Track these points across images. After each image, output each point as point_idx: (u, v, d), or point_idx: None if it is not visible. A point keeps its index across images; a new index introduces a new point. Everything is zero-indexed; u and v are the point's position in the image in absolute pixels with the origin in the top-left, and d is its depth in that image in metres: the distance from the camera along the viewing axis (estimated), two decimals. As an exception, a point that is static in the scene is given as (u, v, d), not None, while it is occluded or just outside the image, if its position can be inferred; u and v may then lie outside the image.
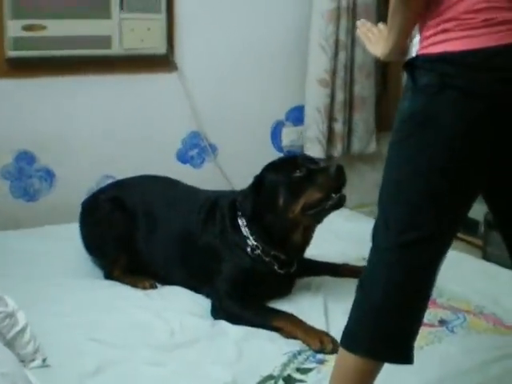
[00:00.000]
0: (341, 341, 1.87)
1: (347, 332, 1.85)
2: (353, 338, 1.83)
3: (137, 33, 3.56)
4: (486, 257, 3.88)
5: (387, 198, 1.80)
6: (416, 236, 1.74)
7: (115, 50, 3.54)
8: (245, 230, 2.67)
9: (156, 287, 2.79)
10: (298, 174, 2.60)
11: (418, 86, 1.73)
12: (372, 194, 4.41)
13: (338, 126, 4.11)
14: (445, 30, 1.70)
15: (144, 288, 2.77)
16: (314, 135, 4.06)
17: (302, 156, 2.87)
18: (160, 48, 3.65)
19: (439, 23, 1.71)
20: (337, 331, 2.35)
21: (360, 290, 1.85)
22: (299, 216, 2.59)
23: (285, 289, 2.72)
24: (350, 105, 4.17)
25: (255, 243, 2.64)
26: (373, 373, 1.84)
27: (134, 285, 2.79)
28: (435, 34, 1.72)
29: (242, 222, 2.68)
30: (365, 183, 4.46)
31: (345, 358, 1.84)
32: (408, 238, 1.74)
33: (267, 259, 2.64)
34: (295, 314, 2.48)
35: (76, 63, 3.52)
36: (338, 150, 4.17)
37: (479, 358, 2.26)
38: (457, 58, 1.67)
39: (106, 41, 3.51)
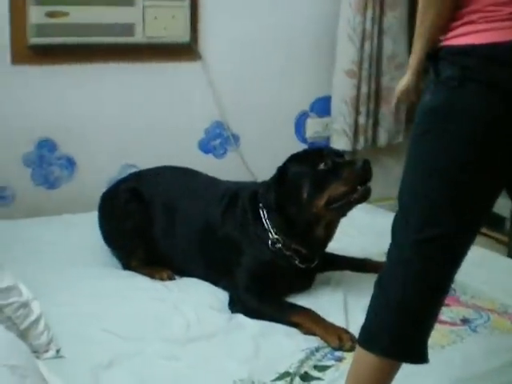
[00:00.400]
0: (358, 338, 1.84)
1: (364, 330, 1.82)
2: (370, 336, 1.80)
3: (160, 21, 3.52)
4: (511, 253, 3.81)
5: (407, 192, 1.77)
6: (436, 233, 1.70)
7: (138, 37, 3.50)
8: (266, 223, 2.62)
9: (174, 278, 2.76)
10: (322, 166, 2.55)
11: (440, 79, 1.70)
12: (396, 187, 4.39)
13: (362, 118, 4.05)
14: (469, 22, 1.66)
15: (162, 279, 2.74)
16: (340, 127, 4.00)
17: (326, 148, 2.80)
18: (183, 36, 3.60)
19: (464, 15, 1.67)
20: (356, 328, 2.29)
21: (378, 286, 1.82)
22: (323, 210, 2.54)
23: (304, 284, 2.67)
24: (376, 96, 4.09)
25: (276, 236, 2.59)
26: (390, 372, 1.81)
27: (152, 276, 2.76)
28: (459, 26, 1.68)
29: (263, 214, 2.63)
30: (389, 176, 4.40)
31: (362, 356, 1.81)
32: (428, 234, 1.71)
33: (288, 253, 2.59)
34: (314, 309, 2.43)
35: (99, 51, 3.48)
36: (360, 143, 4.11)
37: (502, 359, 2.20)
38: (480, 51, 1.63)
39: (128, 28, 3.47)
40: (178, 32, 3.58)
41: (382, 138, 4.21)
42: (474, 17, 1.65)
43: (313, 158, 2.60)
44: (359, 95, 4.00)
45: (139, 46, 3.54)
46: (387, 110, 4.13)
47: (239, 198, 2.73)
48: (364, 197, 2.53)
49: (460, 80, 1.64)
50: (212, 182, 2.95)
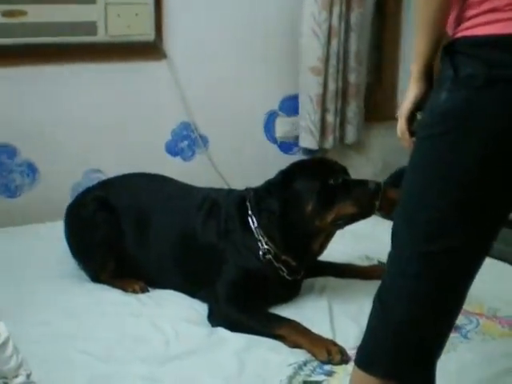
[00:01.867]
0: (356, 360, 1.67)
1: (363, 351, 1.66)
2: (370, 359, 1.64)
3: (123, 19, 3.38)
4: (493, 253, 3.72)
5: (412, 199, 1.59)
6: (446, 245, 1.53)
7: (100, 36, 3.36)
8: (256, 232, 2.49)
9: (148, 291, 2.63)
10: (333, 181, 2.44)
11: (459, 77, 1.50)
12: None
13: (330, 116, 3.96)
14: (493, 10, 1.47)
15: (134, 292, 2.61)
16: (307, 126, 3.92)
17: (333, 161, 2.63)
18: (148, 35, 3.47)
19: (483, 1, 1.48)
20: (343, 338, 2.25)
21: (378, 303, 1.64)
22: (327, 225, 2.44)
23: (289, 296, 2.56)
24: (343, 94, 4.01)
25: (267, 246, 2.47)
26: None
27: (124, 288, 2.62)
28: (480, 14, 1.49)
29: (252, 222, 2.50)
30: (359, 175, 4.32)
31: (360, 378, 1.65)
32: (436, 246, 1.54)
33: (277, 265, 2.48)
34: (298, 319, 2.32)
35: (59, 51, 3.34)
36: (329, 142, 4.03)
37: (497, 366, 2.12)
38: (509, 43, 1.44)
39: (90, 27, 3.33)
40: (142, 30, 3.45)
41: (350, 136, 4.15)
42: (498, 2, 1.46)
43: (323, 171, 2.49)
44: (326, 93, 3.92)
45: (102, 45, 3.40)
46: (354, 107, 4.06)
47: (221, 206, 2.60)
48: (369, 215, 2.48)
49: (487, 79, 1.44)
50: (186, 189, 2.82)
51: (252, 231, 2.49)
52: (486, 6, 1.48)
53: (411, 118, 1.71)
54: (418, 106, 1.68)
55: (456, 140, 1.50)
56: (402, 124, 1.72)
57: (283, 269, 2.48)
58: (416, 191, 1.58)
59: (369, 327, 1.66)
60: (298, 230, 2.44)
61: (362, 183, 2.47)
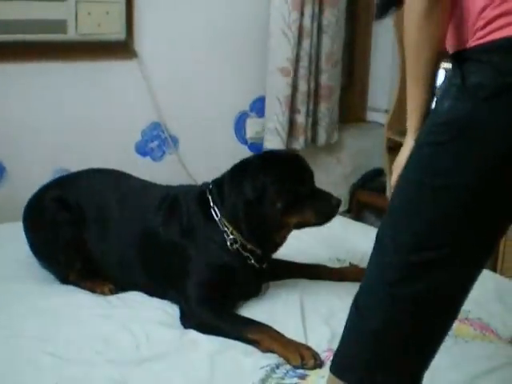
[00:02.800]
0: (331, 367, 1.64)
1: (339, 358, 1.62)
2: (344, 365, 1.61)
3: (94, 17, 3.34)
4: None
5: (403, 207, 1.54)
6: (431, 257, 1.47)
7: (70, 35, 3.31)
8: (220, 223, 2.48)
9: (116, 292, 2.58)
10: (303, 189, 2.48)
11: (466, 86, 1.45)
12: (338, 187, 4.35)
13: (301, 118, 3.95)
14: (507, 13, 1.41)
15: (103, 293, 2.56)
16: (273, 127, 3.90)
17: (303, 162, 2.60)
18: (119, 33, 3.43)
19: (497, 5, 1.43)
20: (316, 341, 2.23)
21: (355, 309, 1.60)
22: (288, 224, 2.50)
23: (258, 286, 2.56)
24: (315, 95, 4.00)
25: (232, 236, 2.46)
26: None
27: (93, 290, 2.58)
28: (492, 21, 1.43)
29: (216, 213, 2.49)
30: (330, 176, 4.34)
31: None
32: (421, 257, 1.48)
33: (245, 254, 2.48)
34: (270, 323, 2.29)
35: (28, 49, 3.28)
36: (300, 143, 4.02)
37: (470, 370, 2.10)
38: None
39: (60, 25, 3.28)
40: (113, 29, 3.42)
41: (322, 137, 4.15)
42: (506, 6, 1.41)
43: (296, 172, 2.51)
44: (295, 94, 3.91)
45: (72, 43, 3.35)
46: (325, 109, 4.05)
47: (181, 203, 2.56)
48: (322, 225, 2.55)
49: (496, 88, 1.39)
50: (145, 185, 2.77)
51: (216, 223, 2.48)
52: (497, 11, 1.44)
53: None
54: None
55: (457, 151, 1.45)
56: (395, 177, 1.70)
57: (250, 257, 2.49)
58: (408, 199, 1.54)
59: (344, 333, 1.62)
60: (261, 221, 2.45)
61: (327, 197, 2.53)
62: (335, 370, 1.62)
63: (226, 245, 2.47)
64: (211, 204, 2.50)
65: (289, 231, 2.54)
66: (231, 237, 2.47)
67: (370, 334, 1.55)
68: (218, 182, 2.55)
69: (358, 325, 1.58)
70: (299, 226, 2.53)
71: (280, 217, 2.45)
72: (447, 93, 1.50)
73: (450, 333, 2.23)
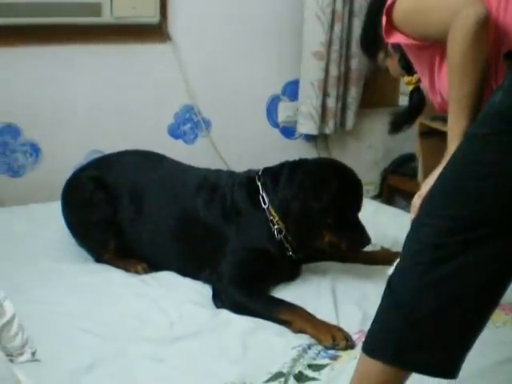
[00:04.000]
0: (363, 346, 1.66)
1: (371, 336, 1.65)
2: (375, 344, 1.63)
3: (128, 0, 3.35)
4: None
5: (444, 193, 1.58)
6: (475, 237, 1.51)
7: (105, 18, 3.33)
8: (268, 211, 2.51)
9: (150, 271, 2.62)
10: (352, 214, 2.54)
11: None
12: (370, 172, 4.35)
13: (331, 102, 3.94)
14: None
15: (136, 272, 2.61)
16: (307, 111, 3.90)
17: (360, 183, 2.64)
18: (153, 17, 3.44)
19: None
20: (347, 323, 2.24)
21: (388, 289, 1.63)
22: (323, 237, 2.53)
23: (292, 276, 2.58)
24: (345, 79, 4.00)
25: (278, 226, 2.50)
26: (398, 379, 1.64)
27: (127, 269, 2.62)
28: None
29: (264, 202, 2.53)
30: (359, 161, 4.33)
31: (367, 365, 1.64)
32: (465, 237, 1.51)
33: (286, 245, 2.51)
34: (302, 305, 2.31)
35: (63, 32, 3.32)
36: (329, 127, 4.02)
37: (501, 354, 2.10)
38: None
39: (95, 8, 3.30)
40: (147, 12, 3.43)
41: (350, 122, 4.14)
42: None
43: (353, 200, 2.56)
44: (327, 78, 3.90)
45: (106, 26, 3.38)
46: (355, 93, 4.05)
47: (223, 186, 2.61)
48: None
49: None
50: (182, 168, 2.81)
51: (262, 211, 2.51)
52: None
53: None
54: None
55: (504, 142, 1.48)
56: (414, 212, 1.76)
57: (289, 248, 2.51)
58: (450, 186, 1.57)
59: (377, 313, 1.65)
60: (308, 225, 2.49)
61: (362, 231, 2.54)
62: (367, 349, 1.64)
63: (270, 232, 2.50)
64: (260, 191, 2.53)
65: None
66: (276, 226, 2.49)
67: (402, 311, 1.58)
68: (272, 172, 2.58)
69: (390, 303, 1.61)
70: (330, 244, 2.54)
71: (323, 230, 2.49)
72: (501, 85, 1.53)
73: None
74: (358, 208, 2.56)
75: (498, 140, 1.49)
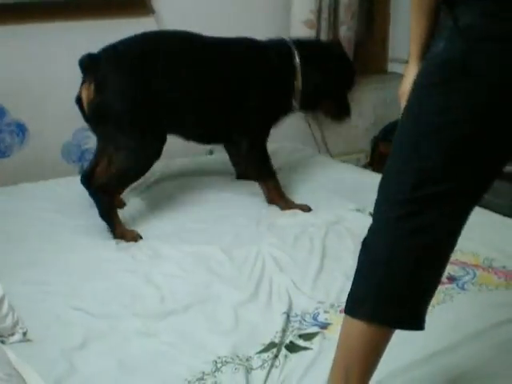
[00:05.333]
0: (345, 309, 1.68)
1: (351, 297, 1.68)
2: (356, 302, 1.66)
3: (110, -26, 3.33)
4: (482, 204, 3.74)
5: (405, 148, 1.60)
6: (438, 189, 1.54)
7: (90, -7, 3.31)
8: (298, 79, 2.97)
9: (141, 238, 2.66)
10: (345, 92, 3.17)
11: (458, 27, 1.50)
12: (360, 140, 4.34)
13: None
14: None
15: (134, 240, 2.64)
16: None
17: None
18: (136, -10, 3.42)
19: None
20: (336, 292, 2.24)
21: (363, 248, 1.67)
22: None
23: None
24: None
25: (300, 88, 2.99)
26: (380, 342, 1.66)
27: (123, 236, 2.66)
28: None
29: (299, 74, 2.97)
30: (352, 129, 4.32)
31: (350, 326, 1.66)
32: (428, 190, 1.55)
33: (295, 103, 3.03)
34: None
35: (46, 8, 3.30)
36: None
37: (495, 317, 2.11)
38: None
39: (77, -17, 3.27)
40: (130, -15, 3.40)
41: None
42: None
43: (348, 78, 3.16)
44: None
45: (88, 1, 3.37)
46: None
47: (263, 54, 2.96)
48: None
49: (482, 32, 1.46)
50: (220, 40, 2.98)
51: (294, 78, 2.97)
52: None
53: None
54: None
55: (453, 90, 1.50)
56: (404, 104, 1.71)
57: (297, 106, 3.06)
58: (409, 140, 1.59)
59: (355, 273, 1.68)
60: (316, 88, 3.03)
61: (347, 106, 3.18)
62: (349, 310, 1.66)
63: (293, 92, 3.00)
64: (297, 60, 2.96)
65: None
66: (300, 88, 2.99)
67: (378, 267, 1.61)
68: (304, 46, 3.03)
69: (366, 262, 1.65)
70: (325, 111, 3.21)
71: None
72: (441, 35, 1.55)
73: (473, 281, 2.29)
74: (349, 88, 3.14)
75: (446, 87, 1.51)
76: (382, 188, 1.65)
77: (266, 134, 3.01)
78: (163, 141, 2.78)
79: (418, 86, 1.60)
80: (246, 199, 3.02)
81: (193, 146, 3.38)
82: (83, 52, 3.37)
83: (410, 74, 1.74)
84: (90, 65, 2.75)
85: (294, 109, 3.04)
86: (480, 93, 1.48)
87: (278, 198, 2.97)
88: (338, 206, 2.90)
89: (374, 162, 4.31)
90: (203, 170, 3.35)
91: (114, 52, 2.79)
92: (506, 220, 2.83)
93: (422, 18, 1.65)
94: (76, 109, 3.42)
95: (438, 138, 1.53)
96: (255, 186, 3.10)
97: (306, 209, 2.91)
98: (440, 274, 1.66)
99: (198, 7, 3.65)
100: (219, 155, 3.63)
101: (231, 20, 3.74)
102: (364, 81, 4.19)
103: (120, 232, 2.67)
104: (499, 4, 1.45)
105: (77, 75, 3.41)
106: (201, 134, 3.03)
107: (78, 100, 2.78)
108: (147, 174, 3.12)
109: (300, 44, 3.01)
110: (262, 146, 2.98)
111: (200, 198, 3.02)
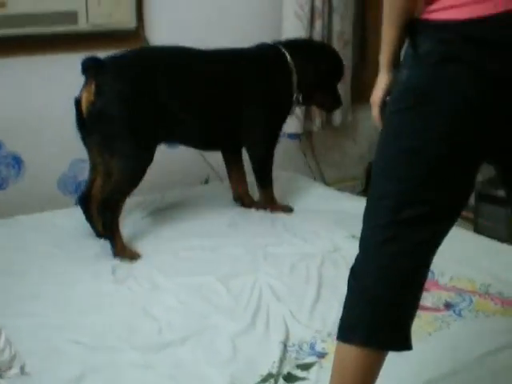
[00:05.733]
0: (338, 335, 1.72)
1: (342, 323, 1.72)
2: (348, 328, 1.70)
3: (104, 7, 3.35)
4: (478, 229, 3.76)
5: (381, 173, 1.68)
6: (416, 212, 1.61)
7: (82, 25, 3.34)
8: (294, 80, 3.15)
9: (139, 257, 2.73)
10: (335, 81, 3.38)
11: (418, 54, 1.61)
12: (355, 167, 4.35)
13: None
14: None
15: (132, 258, 2.70)
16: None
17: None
18: (130, 22, 3.45)
19: None
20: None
21: (351, 275, 1.72)
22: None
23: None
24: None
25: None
26: (374, 365, 1.70)
27: (121, 252, 2.71)
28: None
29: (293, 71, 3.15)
30: (347, 156, 4.35)
31: (343, 352, 1.70)
32: (407, 214, 1.61)
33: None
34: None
35: (40, 41, 3.30)
36: (316, 124, 4.03)
37: (492, 344, 2.12)
38: (459, 27, 1.54)
39: (71, 16, 3.30)
40: (124, 18, 3.43)
41: (337, 118, 4.14)
42: None
43: (337, 72, 3.38)
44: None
45: (83, 34, 3.37)
46: (341, 90, 4.04)
47: (257, 63, 3.13)
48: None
49: (442, 57, 1.55)
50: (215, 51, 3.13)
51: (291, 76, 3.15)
52: None
53: (384, 105, 1.77)
54: (389, 93, 1.75)
55: (419, 114, 1.59)
56: (375, 112, 1.80)
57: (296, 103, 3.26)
58: (385, 165, 1.67)
59: (345, 300, 1.72)
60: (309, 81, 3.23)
61: (338, 97, 3.40)
62: (341, 336, 1.70)
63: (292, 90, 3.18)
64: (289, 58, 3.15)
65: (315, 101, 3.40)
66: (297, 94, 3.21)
67: (366, 293, 1.66)
68: (293, 46, 3.23)
69: (355, 288, 1.70)
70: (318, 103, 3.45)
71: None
72: (404, 63, 1.65)
73: (470, 307, 2.30)
74: (338, 79, 3.35)
75: (412, 113, 1.60)
76: (366, 214, 1.72)
77: (275, 139, 3.22)
78: (155, 146, 2.87)
79: (388, 113, 1.68)
80: (242, 228, 3.02)
81: (188, 175, 3.40)
82: (79, 84, 3.41)
83: (381, 82, 1.77)
84: (92, 67, 2.81)
85: (294, 104, 3.23)
86: (443, 115, 1.57)
87: (270, 202, 3.22)
88: (334, 235, 2.90)
89: (369, 189, 4.32)
90: (199, 200, 3.35)
91: (117, 59, 2.90)
92: (502, 246, 2.84)
93: (392, 27, 1.69)
94: (72, 140, 3.44)
95: (410, 160, 1.61)
96: (251, 215, 3.12)
97: (287, 209, 3.20)
98: (421, 293, 1.72)
99: (191, 40, 3.64)
100: (215, 184, 3.65)
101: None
102: (358, 108, 4.22)
103: (120, 249, 2.71)
104: (456, 32, 1.55)
105: (72, 107, 3.45)
106: (206, 142, 3.19)
107: (77, 103, 2.84)
108: (143, 205, 3.14)
109: (289, 44, 3.23)
110: (270, 155, 3.19)
111: (196, 227, 3.02)
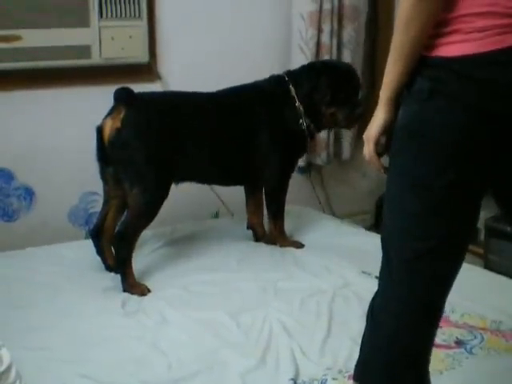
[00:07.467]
0: (354, 375, 1.72)
1: (360, 364, 1.71)
2: (365, 370, 1.70)
3: (117, 41, 3.40)
4: (488, 265, 3.74)
5: (391, 210, 1.71)
6: (424, 247, 1.62)
7: (95, 59, 3.39)
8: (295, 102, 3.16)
9: (149, 291, 2.74)
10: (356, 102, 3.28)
11: (410, 92, 1.63)
12: (365, 201, 4.35)
13: (324, 133, 3.93)
14: (442, 34, 1.58)
15: (143, 294, 2.70)
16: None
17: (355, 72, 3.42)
18: (142, 56, 3.50)
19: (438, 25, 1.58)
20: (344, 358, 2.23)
21: (371, 315, 1.73)
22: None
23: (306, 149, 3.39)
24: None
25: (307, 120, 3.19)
26: None
27: (132, 287, 2.72)
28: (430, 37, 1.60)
29: (295, 99, 3.15)
30: (357, 191, 4.34)
31: None
32: (416, 251, 1.63)
33: (304, 126, 3.19)
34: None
35: (54, 75, 3.35)
36: (322, 159, 4.03)
37: (503, 381, 2.11)
38: (447, 64, 1.56)
39: (85, 50, 3.36)
40: (137, 52, 3.48)
41: (346, 152, 4.15)
42: (446, 29, 1.57)
43: (351, 85, 3.26)
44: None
45: (96, 68, 3.42)
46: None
47: (263, 97, 3.18)
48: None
49: (429, 93, 1.58)
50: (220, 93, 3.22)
51: (294, 103, 3.17)
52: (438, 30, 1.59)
53: (378, 142, 1.76)
54: (386, 130, 1.73)
55: (412, 151, 1.62)
56: (370, 148, 1.77)
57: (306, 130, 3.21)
58: (391, 203, 1.70)
59: (363, 340, 1.72)
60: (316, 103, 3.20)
61: (357, 108, 3.27)
62: (357, 377, 1.70)
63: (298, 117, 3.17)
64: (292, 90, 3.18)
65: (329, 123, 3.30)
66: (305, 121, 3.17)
67: (384, 333, 1.67)
68: (294, 74, 3.25)
69: (373, 328, 1.70)
70: (334, 122, 3.28)
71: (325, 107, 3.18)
72: (402, 101, 1.67)
73: (481, 345, 2.29)
74: (355, 93, 3.25)
75: (408, 150, 1.63)
76: (383, 250, 1.73)
77: (289, 172, 3.26)
78: (171, 183, 2.93)
79: (391, 153, 1.70)
80: (253, 263, 3.02)
81: (198, 209, 3.41)
82: (90, 117, 3.44)
83: (377, 119, 1.73)
84: (124, 96, 2.88)
85: (306, 133, 3.21)
86: (437, 150, 1.59)
87: (280, 235, 3.23)
88: (345, 270, 2.90)
89: (380, 223, 4.31)
90: (209, 234, 3.35)
91: (146, 94, 3.00)
92: (509, 280, 2.83)
93: (401, 61, 1.65)
94: (83, 172, 3.48)
95: (414, 197, 1.63)
96: (262, 249, 3.12)
97: (299, 245, 3.20)
98: (437, 326, 1.72)
99: (203, 73, 3.69)
100: (225, 218, 3.66)
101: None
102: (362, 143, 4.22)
103: (130, 284, 2.73)
104: (445, 72, 1.57)
105: (83, 140, 3.48)
106: (223, 179, 3.25)
107: (99, 131, 2.90)
108: (154, 238, 3.14)
109: (292, 73, 3.27)
110: (283, 189, 3.24)
111: (206, 261, 3.03)
